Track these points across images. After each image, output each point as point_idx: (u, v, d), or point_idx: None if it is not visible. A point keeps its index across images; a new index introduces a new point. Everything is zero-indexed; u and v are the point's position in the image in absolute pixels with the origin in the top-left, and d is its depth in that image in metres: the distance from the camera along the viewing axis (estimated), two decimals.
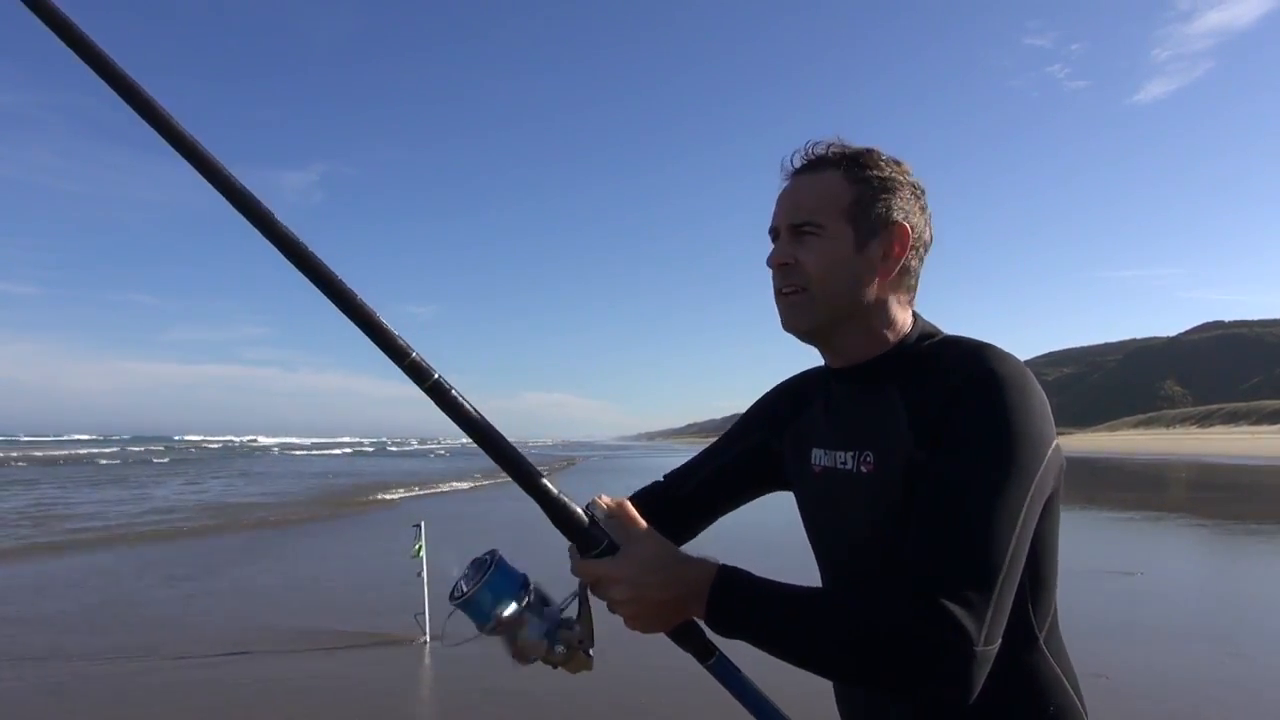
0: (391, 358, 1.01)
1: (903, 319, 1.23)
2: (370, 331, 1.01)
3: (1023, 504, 1.03)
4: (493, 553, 1.08)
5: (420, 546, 6.79)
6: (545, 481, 1.05)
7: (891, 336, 1.22)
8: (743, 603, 1.04)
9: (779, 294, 1.23)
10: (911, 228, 1.20)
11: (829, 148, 1.22)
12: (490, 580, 1.05)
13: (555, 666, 1.10)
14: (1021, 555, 1.03)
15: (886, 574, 1.07)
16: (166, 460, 44.83)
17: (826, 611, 1.02)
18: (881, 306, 1.21)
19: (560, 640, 1.07)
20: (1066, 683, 1.16)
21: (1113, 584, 8.72)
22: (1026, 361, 1.14)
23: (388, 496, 20.43)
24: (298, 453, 63.25)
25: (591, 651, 1.10)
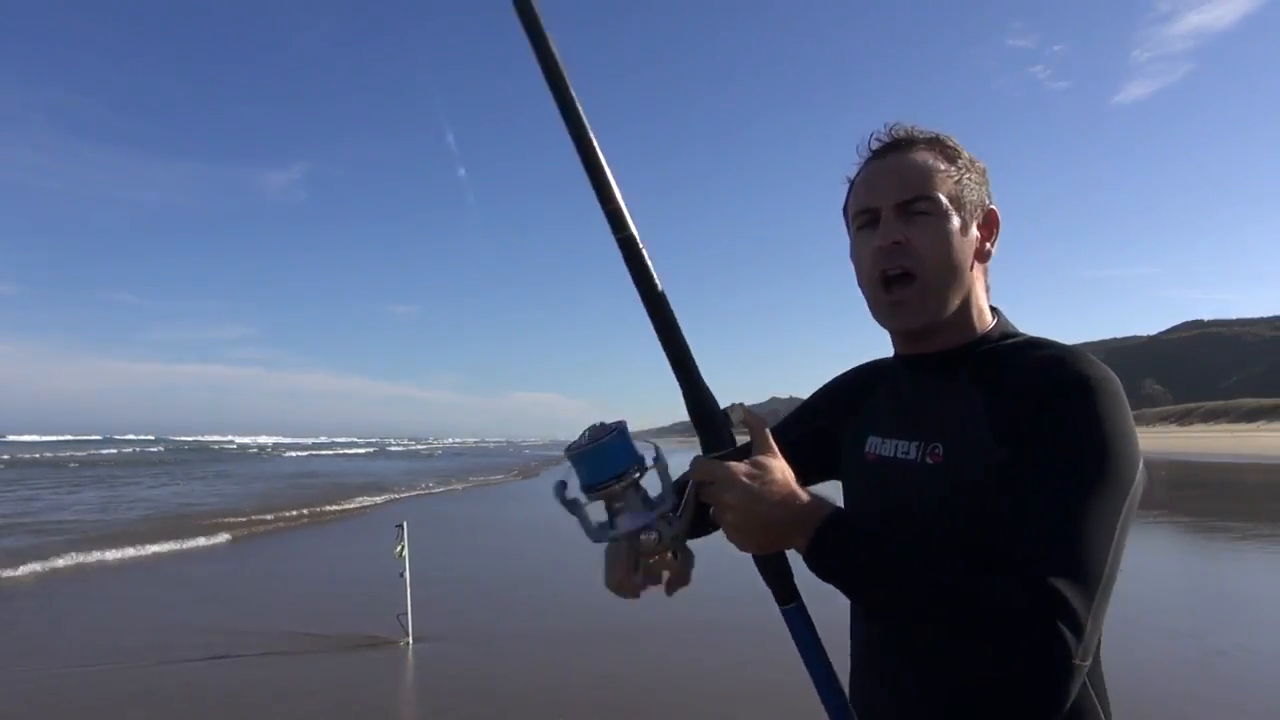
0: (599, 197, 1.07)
1: (986, 309, 1.19)
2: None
3: (1119, 518, 0.98)
4: (621, 422, 1.05)
5: (403, 547, 6.75)
6: (696, 366, 1.08)
7: (977, 327, 1.17)
8: (849, 543, 0.99)
9: (884, 283, 1.14)
10: (997, 213, 1.18)
11: (912, 129, 1.17)
12: (611, 443, 1.03)
13: (641, 561, 1.08)
14: (1115, 572, 0.97)
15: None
16: (176, 462, 44.87)
17: (939, 570, 0.96)
18: (973, 295, 1.17)
19: (655, 528, 1.03)
20: (1103, 715, 1.07)
21: None
22: None
23: (376, 499, 20.17)
24: (300, 454, 63.71)
25: (688, 568, 1.09)
